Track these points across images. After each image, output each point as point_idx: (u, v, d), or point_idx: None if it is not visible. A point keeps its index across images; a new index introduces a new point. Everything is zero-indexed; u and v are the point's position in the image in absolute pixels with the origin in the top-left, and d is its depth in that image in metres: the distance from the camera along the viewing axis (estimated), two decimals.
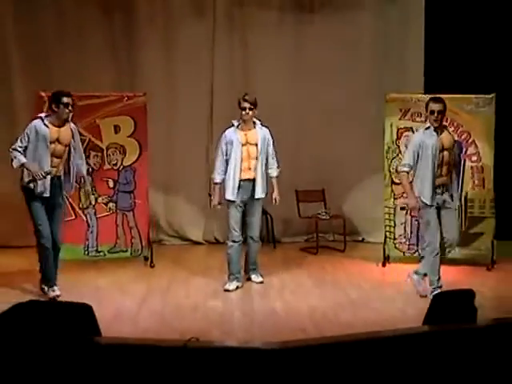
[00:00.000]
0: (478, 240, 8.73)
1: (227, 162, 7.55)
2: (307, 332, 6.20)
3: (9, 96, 9.57)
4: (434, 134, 7.17)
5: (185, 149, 10.03)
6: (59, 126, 7.10)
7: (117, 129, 8.62)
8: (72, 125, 7.21)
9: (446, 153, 7.19)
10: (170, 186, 10.17)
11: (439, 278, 7.20)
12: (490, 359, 2.71)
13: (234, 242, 7.66)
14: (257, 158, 7.55)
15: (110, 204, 8.68)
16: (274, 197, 7.85)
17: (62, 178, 7.24)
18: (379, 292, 7.54)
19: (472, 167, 8.69)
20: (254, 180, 7.57)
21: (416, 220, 8.57)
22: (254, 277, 8.00)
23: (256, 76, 9.88)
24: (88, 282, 7.90)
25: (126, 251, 8.78)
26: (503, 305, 6.63)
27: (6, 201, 8.91)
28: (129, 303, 7.14)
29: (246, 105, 7.45)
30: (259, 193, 7.61)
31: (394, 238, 8.89)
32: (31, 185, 7.05)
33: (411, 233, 8.88)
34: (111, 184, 8.67)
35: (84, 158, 7.57)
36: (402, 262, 8.48)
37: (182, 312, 6.91)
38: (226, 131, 7.61)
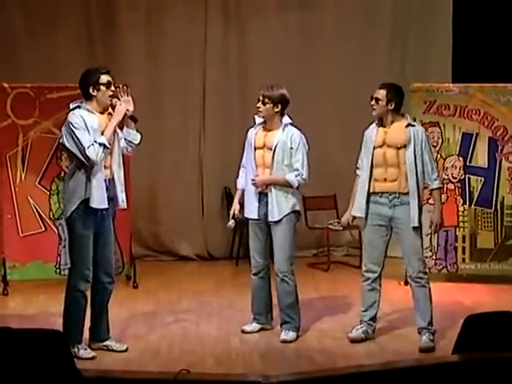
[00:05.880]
0: None
1: None
2: (316, 362, 6.22)
3: None
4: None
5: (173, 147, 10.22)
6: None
7: None
8: None
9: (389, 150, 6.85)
10: (155, 193, 10.29)
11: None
12: None
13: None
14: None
15: None
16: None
17: None
18: (401, 316, 7.52)
19: (509, 168, 8.69)
20: None
21: (445, 231, 8.55)
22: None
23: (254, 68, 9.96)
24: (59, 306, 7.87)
25: None
26: None
27: None
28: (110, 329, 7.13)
29: (260, 97, 6.86)
30: None
31: None
32: None
33: (438, 245, 8.84)
34: None
35: None
36: None
37: (170, 340, 6.94)
38: None
